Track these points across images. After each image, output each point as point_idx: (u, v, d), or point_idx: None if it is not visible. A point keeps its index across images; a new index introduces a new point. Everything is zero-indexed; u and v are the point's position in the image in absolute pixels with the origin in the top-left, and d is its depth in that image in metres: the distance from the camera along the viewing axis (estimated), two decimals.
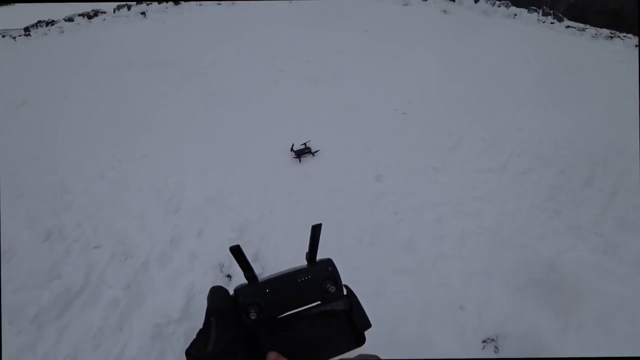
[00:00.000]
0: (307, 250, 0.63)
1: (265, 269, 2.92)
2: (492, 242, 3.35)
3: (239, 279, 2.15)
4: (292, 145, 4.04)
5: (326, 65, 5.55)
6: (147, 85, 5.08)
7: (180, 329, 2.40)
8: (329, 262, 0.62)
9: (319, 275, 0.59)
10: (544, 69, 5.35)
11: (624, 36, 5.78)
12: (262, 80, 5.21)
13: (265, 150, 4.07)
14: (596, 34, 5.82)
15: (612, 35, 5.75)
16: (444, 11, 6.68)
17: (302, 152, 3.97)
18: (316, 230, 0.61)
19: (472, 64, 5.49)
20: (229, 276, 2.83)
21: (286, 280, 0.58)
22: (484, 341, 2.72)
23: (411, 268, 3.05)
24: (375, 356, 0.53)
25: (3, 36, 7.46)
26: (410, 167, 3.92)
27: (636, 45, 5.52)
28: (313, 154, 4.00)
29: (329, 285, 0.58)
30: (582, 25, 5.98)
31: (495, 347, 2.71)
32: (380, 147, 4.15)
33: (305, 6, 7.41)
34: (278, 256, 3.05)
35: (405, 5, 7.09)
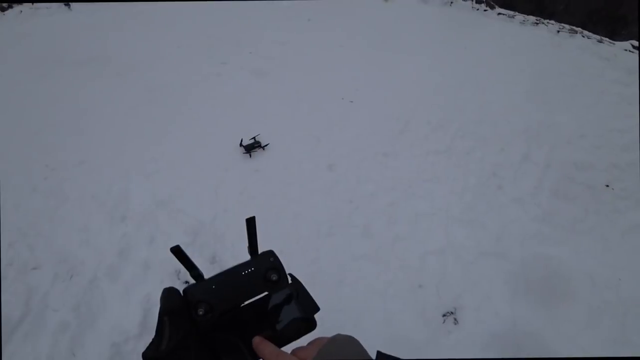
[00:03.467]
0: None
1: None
2: (444, 220, 3.51)
3: None
4: (241, 140, 3.92)
5: (270, 57, 5.43)
6: (79, 84, 4.62)
7: (141, 345, 2.25)
8: (270, 254, 0.62)
9: (261, 267, 0.60)
10: (479, 54, 5.66)
11: (548, 22, 6.27)
12: (204, 74, 4.97)
13: (213, 148, 3.91)
14: (524, 20, 6.26)
15: (538, 22, 6.21)
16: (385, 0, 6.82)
17: (252, 147, 3.87)
18: (250, 223, 0.62)
19: (412, 50, 5.65)
20: (187, 282, 2.70)
21: (231, 275, 0.59)
22: (443, 315, 2.86)
23: (370, 254, 3.12)
24: (350, 337, 0.53)
25: None
26: (361, 154, 3.98)
27: (558, 31, 6.01)
28: (263, 147, 3.91)
29: (272, 275, 0.59)
30: (512, 12, 6.40)
31: (455, 319, 2.85)
32: (330, 136, 4.16)
33: None
34: (236, 256, 2.95)
35: None
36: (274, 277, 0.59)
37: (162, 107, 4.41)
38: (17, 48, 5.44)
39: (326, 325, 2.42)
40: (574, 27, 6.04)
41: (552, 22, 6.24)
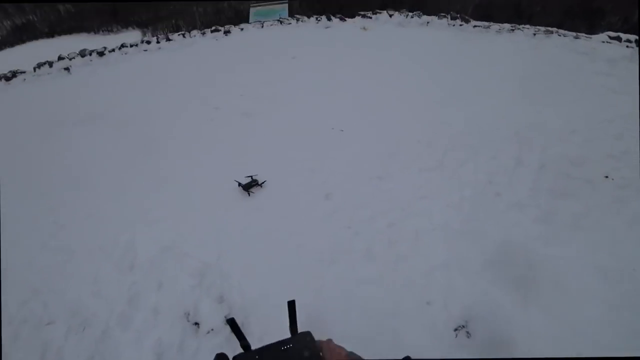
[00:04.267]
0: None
1: (232, 310, 2.86)
2: (445, 234, 3.53)
3: (207, 325, 2.14)
4: (239, 182, 4.06)
5: (260, 97, 5.69)
6: (80, 141, 4.90)
7: None
8: (307, 334, 0.75)
9: (299, 344, 0.72)
10: (460, 67, 5.85)
11: (523, 27, 6.48)
12: (198, 120, 5.23)
13: (212, 190, 4.05)
14: (500, 29, 6.48)
15: (513, 28, 6.42)
16: (364, 28, 7.12)
17: (250, 185, 4.00)
18: (291, 306, 0.81)
19: (393, 73, 5.88)
20: (196, 324, 2.75)
21: (272, 350, 0.72)
22: (455, 329, 2.83)
23: (374, 277, 3.14)
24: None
25: None
26: (355, 180, 4.08)
27: (534, 34, 6.20)
28: (261, 185, 4.05)
29: (307, 354, 0.71)
30: (486, 23, 6.64)
31: (467, 333, 2.82)
32: (323, 166, 4.29)
33: (233, 40, 7.57)
34: (243, 293, 3.01)
35: (327, 27, 7.48)
36: (307, 354, 0.70)
37: (160, 156, 4.61)
38: (22, 113, 5.81)
39: None
40: (549, 28, 6.23)
41: (527, 26, 6.45)
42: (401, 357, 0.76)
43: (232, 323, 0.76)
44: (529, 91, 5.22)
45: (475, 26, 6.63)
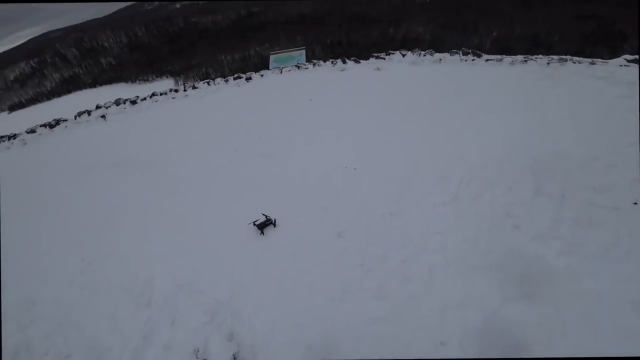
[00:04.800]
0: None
1: (240, 348, 2.88)
2: (461, 270, 3.42)
3: None
4: (255, 221, 4.19)
5: (277, 138, 5.95)
6: (110, 183, 5.31)
7: None
8: None
9: None
10: (476, 100, 5.88)
11: (536, 57, 6.50)
12: (219, 163, 5.52)
13: (228, 230, 4.20)
14: (513, 61, 6.53)
15: (526, 59, 6.46)
16: (378, 68, 7.40)
17: (264, 225, 4.11)
18: None
19: (406, 110, 5.99)
20: None
21: None
22: None
23: (385, 316, 3.07)
24: None
25: None
26: (368, 217, 4.09)
27: (548, 63, 6.18)
28: (274, 224, 4.15)
29: None
30: (499, 56, 6.72)
31: None
32: (336, 205, 4.35)
33: (254, 86, 8.09)
34: (253, 332, 3.03)
35: (343, 70, 7.84)
36: None
37: (182, 197, 4.89)
38: (61, 157, 6.42)
39: None
40: (562, 57, 6.20)
41: (541, 56, 6.45)
42: None
43: None
44: (546, 120, 5.13)
45: (487, 60, 6.72)
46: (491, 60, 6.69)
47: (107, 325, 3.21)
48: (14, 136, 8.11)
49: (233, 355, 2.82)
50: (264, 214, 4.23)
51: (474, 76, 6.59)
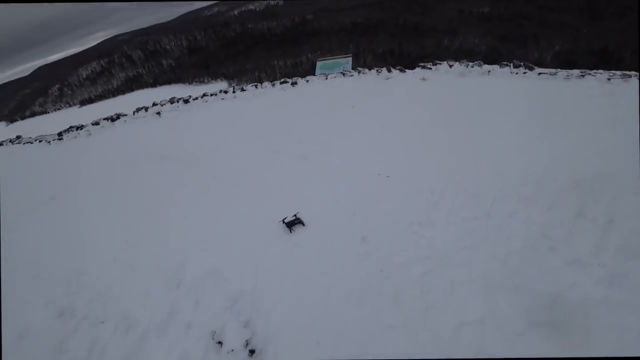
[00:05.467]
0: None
1: (254, 335, 3.03)
2: (484, 288, 3.30)
3: (230, 344, 2.41)
4: (284, 218, 4.36)
5: (316, 142, 6.10)
6: (158, 174, 5.78)
7: None
8: None
9: None
10: (521, 115, 5.61)
11: (595, 72, 6.05)
12: (258, 162, 5.79)
13: (260, 225, 4.40)
14: (568, 76, 6.13)
15: (583, 74, 6.03)
16: (423, 79, 7.31)
17: (293, 223, 4.27)
18: None
19: (451, 122, 5.86)
20: (219, 342, 2.98)
21: None
22: None
23: (398, 324, 3.05)
24: None
25: (40, 141, 8.81)
26: (395, 225, 4.08)
27: (608, 79, 5.74)
28: (303, 223, 4.28)
29: None
30: (553, 70, 6.34)
31: None
32: (365, 210, 4.38)
33: (298, 91, 8.34)
34: (268, 322, 3.17)
35: (387, 79, 7.83)
36: None
37: (221, 191, 5.20)
38: (118, 148, 7.12)
39: None
40: (626, 72, 5.71)
41: (601, 71, 6.00)
42: None
43: None
44: (597, 139, 4.79)
45: (540, 73, 6.37)
46: (544, 74, 6.33)
47: (140, 300, 3.53)
48: (81, 127, 9.11)
49: (246, 341, 2.96)
50: (294, 215, 4.39)
51: (523, 90, 6.28)
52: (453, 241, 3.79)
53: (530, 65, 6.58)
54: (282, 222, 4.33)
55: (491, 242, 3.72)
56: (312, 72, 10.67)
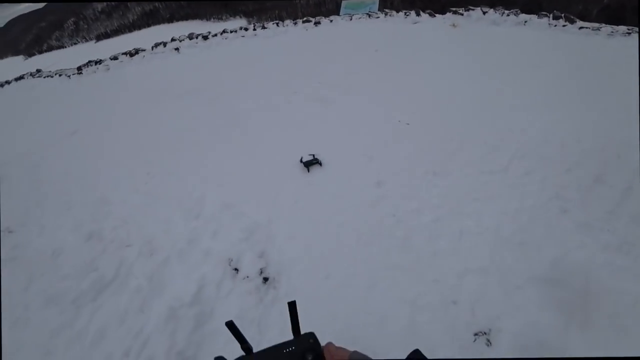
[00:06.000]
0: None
1: (268, 264, 3.24)
2: (492, 240, 3.39)
3: (244, 273, 2.57)
4: (302, 157, 4.41)
5: (337, 85, 5.96)
6: (178, 110, 5.82)
7: (191, 312, 2.79)
8: (310, 335, 0.70)
9: (301, 347, 0.68)
10: (554, 72, 5.31)
11: None
12: (277, 102, 5.73)
13: (277, 163, 4.50)
14: (612, 32, 5.65)
15: (630, 32, 5.55)
16: (453, 25, 6.86)
17: (311, 163, 4.33)
18: (292, 307, 0.76)
19: (479, 73, 5.60)
20: (236, 269, 3.21)
21: (274, 352, 0.68)
22: (475, 334, 2.77)
23: (405, 265, 3.20)
24: (367, 357, 0.64)
25: (60, 75, 8.87)
26: (410, 172, 4.10)
27: None
28: (320, 164, 4.34)
29: (310, 357, 0.67)
30: (596, 25, 5.84)
31: (488, 340, 2.74)
32: (382, 155, 4.39)
33: (321, 31, 7.96)
34: (281, 254, 3.35)
35: (415, 23, 7.37)
36: (310, 357, 0.67)
37: (240, 129, 5.23)
38: (137, 83, 7.11)
39: (353, 323, 2.65)
40: None
41: None
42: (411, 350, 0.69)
43: (231, 326, 0.70)
44: (633, 106, 4.55)
45: (581, 28, 5.88)
46: (586, 28, 5.86)
47: (162, 227, 3.75)
48: (100, 62, 9.02)
49: (260, 269, 3.18)
50: (311, 154, 4.44)
51: (559, 45, 5.87)
52: (466, 192, 3.83)
53: (572, 17, 6.06)
54: (300, 162, 4.41)
55: (504, 198, 3.74)
56: (336, 11, 10.09)
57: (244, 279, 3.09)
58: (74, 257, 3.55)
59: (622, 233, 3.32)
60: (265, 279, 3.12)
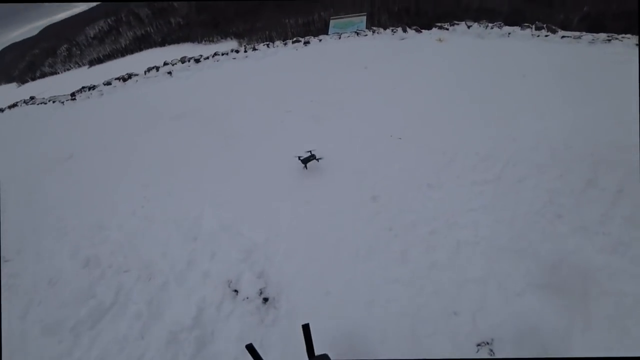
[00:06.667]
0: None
1: (267, 284, 3.23)
2: (489, 249, 3.41)
3: (245, 292, 2.58)
4: (300, 156, 4.47)
5: (329, 103, 6.07)
6: (173, 133, 5.89)
7: (191, 336, 2.77)
8: (325, 357, 0.73)
9: None
10: (540, 79, 5.45)
11: (622, 37, 5.75)
12: (271, 121, 5.82)
13: (273, 182, 4.54)
14: (593, 40, 5.84)
15: (610, 38, 5.74)
16: (439, 40, 7.05)
17: (308, 160, 4.39)
18: (306, 330, 0.77)
19: (467, 85, 5.72)
20: (235, 290, 3.19)
21: None
22: (478, 344, 2.76)
23: (404, 278, 3.20)
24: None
25: (53, 102, 8.95)
26: (405, 186, 4.15)
27: (636, 44, 5.47)
28: (318, 160, 4.39)
29: None
30: (577, 33, 6.04)
31: (491, 350, 2.73)
32: (376, 170, 4.45)
33: (311, 50, 8.15)
34: (281, 273, 3.35)
35: (402, 39, 7.57)
36: None
37: (235, 150, 5.29)
38: (132, 108, 7.21)
39: (355, 339, 2.64)
40: None
41: (629, 36, 5.70)
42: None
43: (251, 349, 0.72)
44: (618, 109, 4.66)
45: (563, 37, 6.08)
46: (567, 37, 6.05)
47: (160, 250, 3.75)
48: (93, 87, 9.13)
49: (260, 289, 3.17)
50: (308, 151, 4.48)
51: (543, 54, 6.05)
52: (461, 203, 3.86)
53: (553, 27, 6.27)
54: (297, 159, 4.44)
55: (498, 206, 3.78)
56: (325, 31, 10.33)
57: (244, 300, 3.07)
58: (72, 283, 3.53)
59: (617, 235, 3.35)
60: (266, 299, 3.10)
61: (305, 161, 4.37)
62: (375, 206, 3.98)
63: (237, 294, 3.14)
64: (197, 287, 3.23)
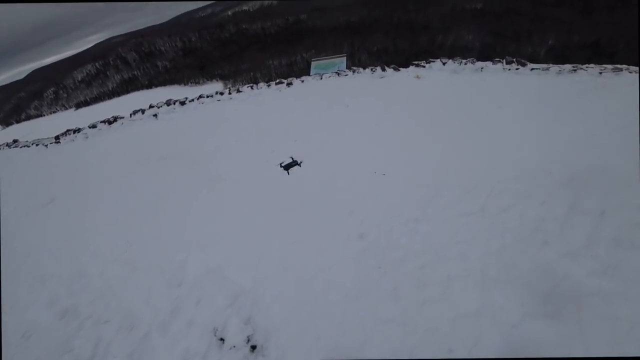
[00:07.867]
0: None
1: (255, 331, 3.09)
2: (480, 282, 3.37)
3: (232, 341, 2.48)
4: (281, 163, 4.44)
5: (312, 142, 6.15)
6: (157, 175, 5.84)
7: None
8: None
9: None
10: (515, 110, 5.69)
11: (586, 67, 6.12)
12: (255, 161, 5.84)
13: (258, 223, 4.47)
14: (560, 70, 6.20)
15: (575, 68, 6.10)
16: (417, 76, 7.37)
17: (290, 166, 4.36)
18: None
19: (446, 119, 5.92)
20: (221, 339, 3.04)
21: None
22: None
23: (396, 317, 3.12)
24: None
25: (37, 145, 8.85)
26: (391, 222, 4.14)
27: (600, 73, 5.81)
28: (299, 164, 4.36)
29: None
30: (545, 65, 6.41)
31: None
32: (362, 208, 4.44)
33: (294, 91, 8.39)
34: (268, 319, 3.22)
35: (382, 77, 7.89)
36: None
37: (219, 191, 5.25)
38: (116, 151, 7.17)
39: None
40: (617, 66, 5.79)
41: (592, 65, 6.07)
42: None
43: None
44: (590, 133, 4.86)
45: (532, 69, 6.44)
46: (536, 69, 6.40)
47: (142, 298, 3.59)
48: (78, 130, 9.12)
49: (247, 337, 3.03)
50: (291, 157, 4.46)
51: (515, 86, 6.35)
52: (448, 236, 3.86)
53: (523, 61, 6.65)
54: (280, 166, 4.42)
55: (486, 237, 3.78)
56: (307, 71, 10.69)
57: (230, 349, 2.92)
58: (47, 337, 3.35)
59: (605, 257, 3.35)
60: (253, 347, 2.96)
61: (287, 167, 4.38)
62: (363, 244, 3.94)
63: (223, 343, 2.99)
64: (181, 337, 3.07)
